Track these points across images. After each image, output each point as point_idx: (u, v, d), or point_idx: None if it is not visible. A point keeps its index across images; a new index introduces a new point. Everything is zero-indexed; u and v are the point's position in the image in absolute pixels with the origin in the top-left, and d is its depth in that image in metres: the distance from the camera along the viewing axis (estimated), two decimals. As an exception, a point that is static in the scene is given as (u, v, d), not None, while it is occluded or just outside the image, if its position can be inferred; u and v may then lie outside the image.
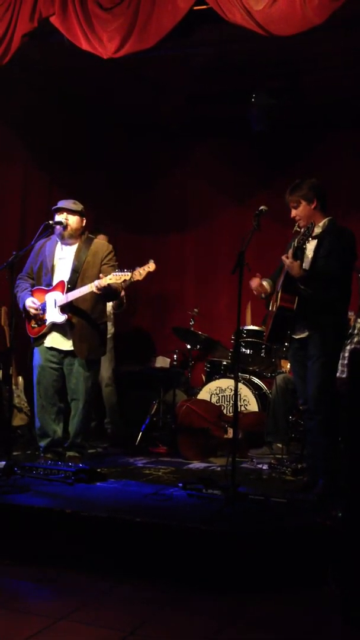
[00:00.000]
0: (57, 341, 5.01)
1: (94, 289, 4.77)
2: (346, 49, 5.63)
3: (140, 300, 7.78)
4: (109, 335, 6.28)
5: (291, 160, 7.38)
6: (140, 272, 6.03)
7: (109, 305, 6.19)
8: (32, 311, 4.97)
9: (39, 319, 5.00)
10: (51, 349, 5.02)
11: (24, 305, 5.02)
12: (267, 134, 6.97)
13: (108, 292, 4.87)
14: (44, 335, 5.02)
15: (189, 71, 6.25)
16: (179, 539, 3.56)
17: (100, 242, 5.21)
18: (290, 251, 4.31)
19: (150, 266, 5.99)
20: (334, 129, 7.27)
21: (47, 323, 4.98)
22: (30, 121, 6.55)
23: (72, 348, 4.96)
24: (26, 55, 5.22)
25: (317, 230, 4.36)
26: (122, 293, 6.15)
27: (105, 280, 4.72)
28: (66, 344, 4.98)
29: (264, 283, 4.64)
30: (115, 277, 4.75)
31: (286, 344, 4.88)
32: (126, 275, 4.78)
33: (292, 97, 6.46)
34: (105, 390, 6.38)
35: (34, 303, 4.98)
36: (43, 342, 5.02)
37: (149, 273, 6.01)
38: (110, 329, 6.38)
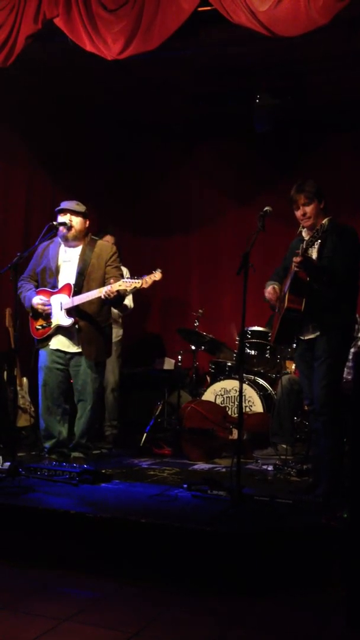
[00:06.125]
0: (62, 343, 5.00)
1: (102, 295, 4.75)
2: (349, 50, 5.62)
3: (144, 301, 7.78)
4: (116, 339, 6.28)
5: (294, 160, 7.39)
6: (147, 280, 6.05)
7: (115, 309, 6.17)
8: (41, 307, 4.95)
9: (47, 317, 4.99)
10: (57, 350, 5.02)
11: (31, 304, 5.00)
12: (270, 134, 6.97)
13: (115, 299, 4.87)
14: (49, 337, 5.01)
15: (193, 72, 6.25)
16: (183, 540, 3.55)
17: (104, 244, 5.21)
18: (301, 252, 4.26)
19: (157, 275, 6.00)
20: (337, 129, 7.27)
21: (52, 325, 4.98)
22: (34, 123, 6.57)
23: (77, 350, 4.95)
24: (30, 56, 5.23)
25: (321, 230, 4.33)
26: (130, 299, 6.19)
27: (115, 287, 4.71)
28: (71, 347, 4.98)
29: (276, 287, 4.62)
30: (125, 285, 4.73)
31: (293, 345, 4.86)
32: (136, 283, 4.77)
33: (295, 98, 6.46)
34: (110, 395, 6.36)
35: (42, 299, 4.97)
36: (48, 344, 5.02)
37: (155, 282, 6.05)
38: (118, 332, 6.36)
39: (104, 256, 5.05)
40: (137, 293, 6.45)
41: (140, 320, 8.03)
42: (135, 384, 6.95)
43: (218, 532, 3.52)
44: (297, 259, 4.14)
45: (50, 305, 4.96)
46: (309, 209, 4.35)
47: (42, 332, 5.03)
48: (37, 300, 4.98)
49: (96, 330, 5.00)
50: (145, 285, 6.05)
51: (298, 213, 4.40)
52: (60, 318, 4.94)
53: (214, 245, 7.90)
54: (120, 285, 4.72)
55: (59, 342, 5.01)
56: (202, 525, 3.56)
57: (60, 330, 4.98)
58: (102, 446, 5.99)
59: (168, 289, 7.76)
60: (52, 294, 5.00)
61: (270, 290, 4.58)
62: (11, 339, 5.75)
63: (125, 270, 6.31)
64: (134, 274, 4.93)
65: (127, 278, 4.79)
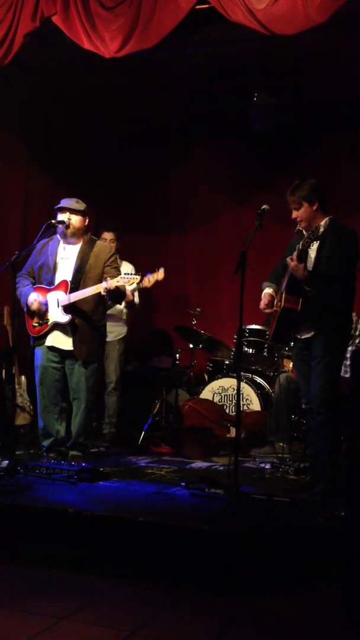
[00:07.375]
0: (58, 340, 5.00)
1: (102, 291, 4.76)
2: (347, 49, 5.62)
3: (142, 299, 7.78)
4: (119, 337, 6.29)
5: (291, 160, 7.39)
6: (150, 280, 6.10)
7: (121, 305, 6.18)
8: (36, 306, 4.95)
9: (42, 315, 4.99)
10: (52, 348, 5.01)
11: (26, 301, 4.99)
12: (268, 133, 6.98)
13: (115, 295, 4.88)
14: (45, 335, 5.01)
15: (190, 70, 6.24)
16: (181, 538, 3.56)
17: (103, 244, 5.21)
18: (295, 253, 4.29)
19: (160, 274, 6.07)
20: (334, 129, 7.27)
21: (49, 322, 4.98)
22: (32, 122, 6.56)
23: (72, 348, 4.95)
24: (28, 55, 5.22)
25: (320, 230, 4.34)
26: (137, 295, 6.20)
27: (113, 283, 4.71)
28: (68, 343, 4.97)
29: (269, 291, 4.63)
30: (123, 280, 4.74)
31: (290, 343, 4.87)
32: (135, 279, 4.78)
33: (292, 97, 6.46)
34: (111, 394, 6.35)
35: (38, 297, 4.97)
36: (44, 342, 5.01)
37: (157, 281, 6.09)
38: (122, 329, 6.36)
39: (102, 256, 5.05)
40: (139, 290, 6.45)
41: (137, 318, 8.03)
42: (133, 382, 6.94)
43: (215, 530, 3.52)
44: (292, 264, 4.18)
45: (46, 304, 4.96)
46: (299, 214, 4.39)
47: (39, 329, 5.03)
48: (33, 297, 4.97)
49: (91, 329, 5.00)
50: (147, 285, 6.12)
51: (293, 215, 4.43)
52: (56, 315, 4.94)
53: (212, 244, 7.90)
54: (118, 281, 4.72)
55: (55, 339, 5.00)
56: (200, 524, 3.56)
57: (57, 327, 4.98)
58: (99, 444, 5.99)
59: (166, 287, 7.74)
60: (48, 290, 5.00)
61: (265, 299, 4.60)
62: (9, 337, 5.74)
63: (130, 267, 6.31)
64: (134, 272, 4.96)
65: (126, 273, 4.80)
